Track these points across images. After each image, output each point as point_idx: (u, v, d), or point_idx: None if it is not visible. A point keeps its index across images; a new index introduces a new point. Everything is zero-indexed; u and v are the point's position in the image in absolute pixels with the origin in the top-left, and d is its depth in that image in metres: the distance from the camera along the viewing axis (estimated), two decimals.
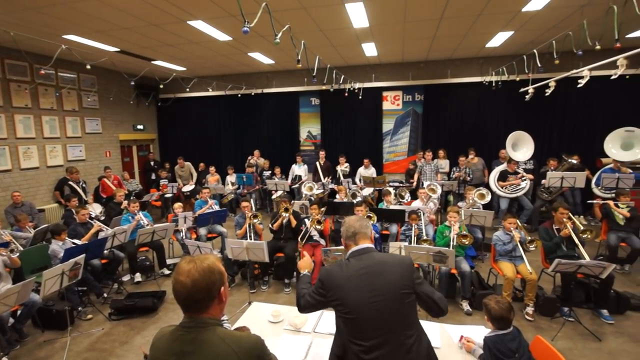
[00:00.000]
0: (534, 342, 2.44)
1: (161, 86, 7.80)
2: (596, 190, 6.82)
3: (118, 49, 7.15)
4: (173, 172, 9.81)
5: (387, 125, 9.80)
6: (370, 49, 7.68)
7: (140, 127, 10.50)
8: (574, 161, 7.02)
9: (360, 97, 9.10)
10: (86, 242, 4.78)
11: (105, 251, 4.86)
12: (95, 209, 6.79)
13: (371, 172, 8.65)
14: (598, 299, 4.18)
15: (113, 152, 9.51)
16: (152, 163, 10.28)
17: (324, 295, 1.86)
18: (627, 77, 6.90)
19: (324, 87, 8.27)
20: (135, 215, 5.66)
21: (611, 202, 5.36)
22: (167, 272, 5.65)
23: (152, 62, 8.27)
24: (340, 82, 8.58)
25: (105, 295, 4.81)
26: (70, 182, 7.18)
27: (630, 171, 6.42)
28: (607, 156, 7.01)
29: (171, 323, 1.37)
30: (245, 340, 1.32)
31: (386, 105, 9.71)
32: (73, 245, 4.51)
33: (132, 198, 6.37)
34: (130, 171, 9.92)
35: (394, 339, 1.74)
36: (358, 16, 5.52)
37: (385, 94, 9.64)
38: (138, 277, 5.38)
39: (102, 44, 6.74)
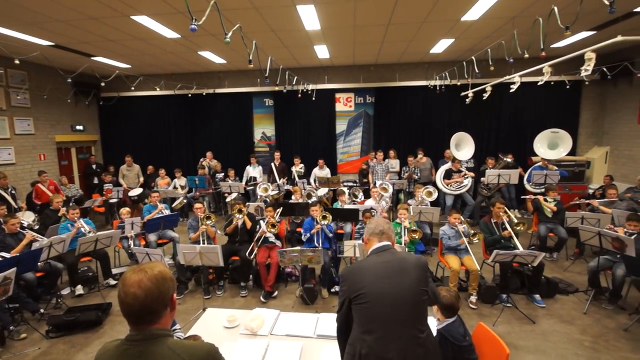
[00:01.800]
0: (477, 329, 2.62)
1: (102, 84, 7.32)
2: (528, 186, 7.49)
3: (52, 43, 6.61)
4: (118, 175, 9.24)
5: (340, 126, 10.00)
6: (322, 51, 7.80)
7: (79, 127, 9.77)
8: (509, 160, 7.65)
9: (313, 99, 9.21)
10: (17, 254, 4.35)
11: (41, 263, 4.47)
12: (28, 218, 6.20)
13: (326, 172, 8.77)
14: (531, 285, 4.61)
15: (48, 155, 8.76)
16: (94, 166, 9.60)
17: (346, 291, 1.89)
18: (552, 83, 7.65)
19: (277, 88, 8.25)
20: (75, 222, 5.28)
21: (540, 197, 5.92)
22: (112, 282, 5.32)
23: (92, 58, 7.74)
24: (294, 83, 8.61)
25: (42, 311, 4.42)
26: None
27: (556, 168, 7.11)
28: (536, 155, 7.72)
29: (118, 337, 1.29)
30: (197, 349, 1.27)
31: (339, 107, 9.91)
32: (1, 259, 4.09)
33: (71, 204, 5.91)
34: (69, 175, 9.18)
35: (408, 332, 1.79)
36: (310, 18, 5.59)
37: (337, 95, 9.84)
38: (79, 289, 5.01)
39: (33, 37, 6.20)
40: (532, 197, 6.11)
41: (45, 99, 8.38)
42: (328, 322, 2.83)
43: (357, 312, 1.85)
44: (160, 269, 1.28)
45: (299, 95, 8.61)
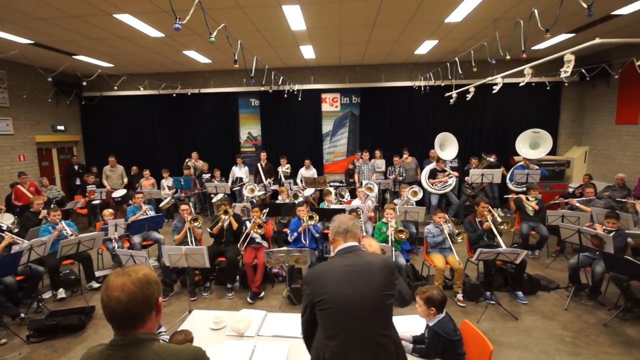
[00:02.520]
0: (461, 326, 2.67)
1: (84, 83, 7.16)
2: (510, 185, 7.65)
3: (32, 42, 6.44)
4: (101, 176, 9.06)
5: (327, 126, 10.03)
6: (308, 52, 7.80)
7: (60, 127, 9.53)
8: (492, 159, 7.81)
9: (299, 99, 9.20)
10: None
11: (21, 266, 4.37)
12: (7, 220, 6.03)
13: (312, 172, 8.79)
14: (514, 282, 4.71)
15: (28, 156, 8.52)
16: (76, 167, 9.39)
17: (311, 294, 1.84)
18: (533, 84, 7.84)
19: (263, 88, 8.23)
20: (57, 224, 5.16)
21: (522, 196, 6.06)
22: (95, 285, 5.23)
23: (74, 57, 7.57)
24: (280, 83, 8.60)
25: (22, 315, 4.31)
26: None
27: (537, 168, 7.28)
28: (518, 155, 7.89)
29: (102, 341, 1.26)
30: (183, 353, 1.25)
31: (325, 107, 9.93)
32: None
33: (52, 206, 5.77)
34: (50, 176, 8.94)
35: (370, 337, 1.78)
36: (295, 19, 5.59)
37: (323, 95, 9.86)
38: (62, 293, 4.91)
39: (13, 35, 6.03)
40: (515, 196, 6.25)
41: (25, 99, 8.15)
42: None
43: (320, 317, 1.83)
44: (144, 272, 1.25)
45: (285, 96, 8.60)
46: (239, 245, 4.95)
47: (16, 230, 5.52)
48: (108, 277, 1.23)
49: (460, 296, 4.54)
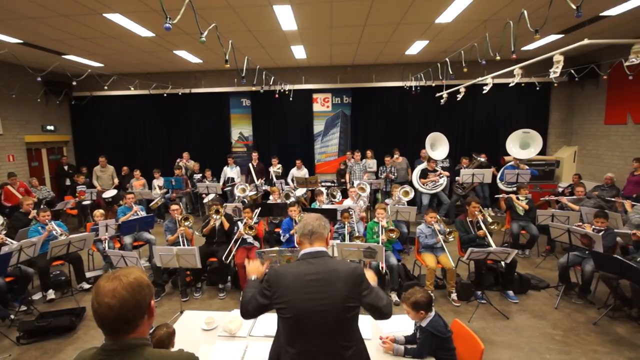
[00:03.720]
0: (453, 325, 2.68)
1: (74, 83, 7.08)
2: (501, 185, 7.72)
3: (21, 41, 6.36)
4: (91, 176, 8.97)
5: (318, 126, 10.04)
6: (299, 52, 7.80)
7: (50, 127, 9.42)
8: (482, 159, 7.87)
9: (291, 99, 9.20)
10: None
11: (10, 267, 4.30)
12: None
13: (304, 172, 8.79)
14: (505, 281, 4.74)
15: (17, 156, 8.41)
16: (66, 167, 9.28)
17: (269, 297, 1.77)
18: (523, 84, 7.91)
19: (254, 88, 8.21)
20: (47, 225, 5.10)
21: (513, 196, 6.11)
22: (86, 286, 5.18)
23: (63, 56, 7.49)
24: (271, 83, 8.59)
25: (12, 317, 4.27)
26: None
27: (527, 167, 7.35)
28: (508, 154, 7.97)
29: (92, 342, 1.25)
30: (176, 359, 1.25)
31: (316, 107, 9.94)
32: None
33: (42, 207, 5.71)
34: (39, 177, 8.85)
35: (331, 348, 1.73)
36: (286, 19, 5.59)
37: (315, 96, 9.87)
38: (51, 294, 4.86)
39: (1, 34, 5.96)
40: (505, 195, 6.30)
41: (14, 98, 8.02)
42: None
43: (280, 321, 1.79)
44: (135, 276, 1.21)
45: (277, 96, 8.59)
46: (227, 251, 4.88)
47: (4, 232, 5.45)
48: (98, 282, 1.20)
49: (454, 296, 4.56)
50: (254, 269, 2.12)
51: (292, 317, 1.71)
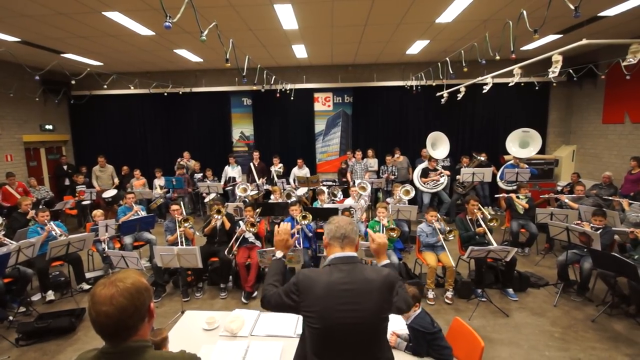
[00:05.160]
0: (453, 323, 2.70)
1: (73, 82, 7.06)
2: (500, 184, 7.74)
3: (19, 39, 6.33)
4: (91, 176, 8.94)
5: (319, 125, 10.04)
6: (300, 51, 7.80)
7: (49, 127, 9.39)
8: (482, 158, 7.89)
9: (292, 98, 9.20)
10: None
11: (9, 268, 4.28)
12: None
13: (305, 172, 8.79)
14: (504, 279, 4.77)
15: (15, 156, 8.38)
16: (65, 167, 9.24)
17: (297, 302, 1.66)
18: (522, 84, 7.94)
19: (255, 88, 8.20)
20: (45, 225, 5.08)
21: (513, 195, 6.12)
22: (86, 287, 5.16)
23: (62, 55, 7.46)
24: (272, 82, 8.58)
25: (11, 318, 4.25)
26: None
27: (527, 166, 7.37)
28: (508, 154, 7.99)
29: (92, 343, 1.24)
30: None
31: (317, 106, 9.94)
32: None
33: (41, 207, 5.69)
34: (38, 177, 8.82)
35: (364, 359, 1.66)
36: (287, 18, 5.59)
37: (316, 95, 9.87)
38: (51, 295, 4.83)
39: None
40: (506, 195, 6.32)
41: (12, 97, 7.98)
42: None
43: (307, 329, 1.68)
44: (133, 280, 1.17)
45: (278, 95, 8.59)
46: (229, 247, 4.88)
47: (3, 232, 5.43)
48: (94, 289, 1.15)
49: (449, 294, 4.56)
50: (281, 242, 1.98)
51: (320, 328, 1.61)
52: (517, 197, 6.04)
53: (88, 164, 9.38)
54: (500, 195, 6.42)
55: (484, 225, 4.77)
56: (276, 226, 2.06)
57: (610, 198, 6.05)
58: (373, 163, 8.79)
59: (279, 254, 1.96)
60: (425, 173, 7.83)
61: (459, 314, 3.96)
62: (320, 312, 1.60)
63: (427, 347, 2.48)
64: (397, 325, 2.78)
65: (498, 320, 4.15)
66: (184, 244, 4.93)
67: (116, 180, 9.02)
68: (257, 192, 7.93)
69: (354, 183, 7.73)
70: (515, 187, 6.51)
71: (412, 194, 6.54)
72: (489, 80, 5.72)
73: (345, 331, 1.60)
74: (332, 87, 9.73)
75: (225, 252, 4.79)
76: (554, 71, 4.12)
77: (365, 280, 1.65)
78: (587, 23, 6.00)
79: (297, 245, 4.89)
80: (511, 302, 4.55)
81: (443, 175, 7.73)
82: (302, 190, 7.68)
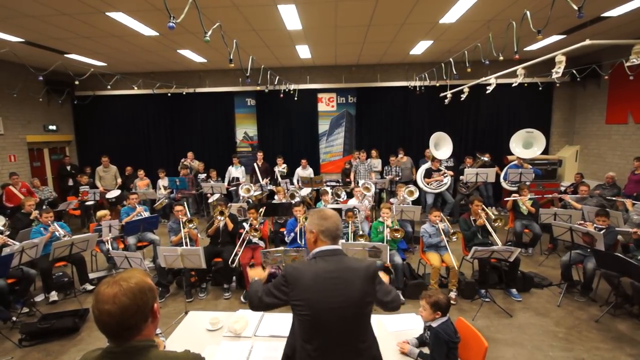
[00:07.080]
0: (457, 324, 2.70)
1: (76, 82, 7.08)
2: (504, 184, 7.72)
3: (22, 40, 6.36)
4: (94, 176, 8.96)
5: (323, 126, 10.04)
6: (304, 51, 7.80)
7: (52, 127, 9.43)
8: (486, 159, 7.88)
9: (295, 99, 9.21)
10: None
11: (12, 269, 4.27)
12: None
13: (309, 172, 8.78)
14: (508, 279, 4.75)
15: (19, 156, 8.41)
16: (68, 168, 9.28)
17: (287, 293, 1.78)
18: (526, 85, 7.92)
19: (259, 88, 8.21)
20: (49, 226, 5.09)
21: (523, 198, 6.00)
22: (89, 287, 5.16)
23: (65, 55, 7.48)
24: (276, 83, 8.59)
25: (14, 319, 4.24)
26: None
27: (531, 167, 7.35)
28: (512, 154, 7.97)
29: (96, 344, 1.23)
30: None
31: (321, 107, 9.95)
32: None
33: (44, 207, 5.70)
34: (41, 177, 8.84)
35: (349, 343, 1.78)
36: (291, 18, 5.59)
37: (320, 95, 9.88)
38: (54, 295, 4.83)
39: (2, 33, 5.96)
40: (512, 199, 6.24)
41: (16, 98, 8.03)
42: None
43: (297, 319, 1.81)
44: (137, 280, 1.17)
45: (282, 95, 8.59)
46: (232, 257, 4.86)
47: (7, 233, 5.45)
48: (98, 288, 1.16)
49: (453, 294, 4.56)
50: (257, 274, 2.18)
51: (310, 314, 1.74)
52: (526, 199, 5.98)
53: (92, 164, 9.43)
54: (509, 198, 6.35)
55: (488, 225, 4.76)
56: (248, 268, 2.32)
57: (613, 198, 6.03)
58: (377, 163, 8.79)
59: (256, 278, 2.13)
60: (428, 173, 7.82)
61: (462, 314, 3.94)
62: (308, 299, 1.73)
63: (445, 356, 2.48)
64: (398, 327, 2.78)
65: (502, 320, 4.14)
66: (188, 244, 4.94)
67: (119, 181, 9.04)
68: (260, 192, 7.92)
69: (357, 183, 7.72)
70: (517, 188, 6.49)
71: (416, 194, 6.53)
72: (492, 80, 5.71)
73: (332, 315, 1.73)
74: (335, 88, 9.74)
75: (229, 262, 4.76)
76: (558, 72, 4.10)
77: (348, 269, 1.79)
78: (591, 23, 5.98)
79: (301, 246, 4.89)
80: (515, 303, 4.54)
81: (446, 176, 7.71)
82: (305, 191, 7.67)
